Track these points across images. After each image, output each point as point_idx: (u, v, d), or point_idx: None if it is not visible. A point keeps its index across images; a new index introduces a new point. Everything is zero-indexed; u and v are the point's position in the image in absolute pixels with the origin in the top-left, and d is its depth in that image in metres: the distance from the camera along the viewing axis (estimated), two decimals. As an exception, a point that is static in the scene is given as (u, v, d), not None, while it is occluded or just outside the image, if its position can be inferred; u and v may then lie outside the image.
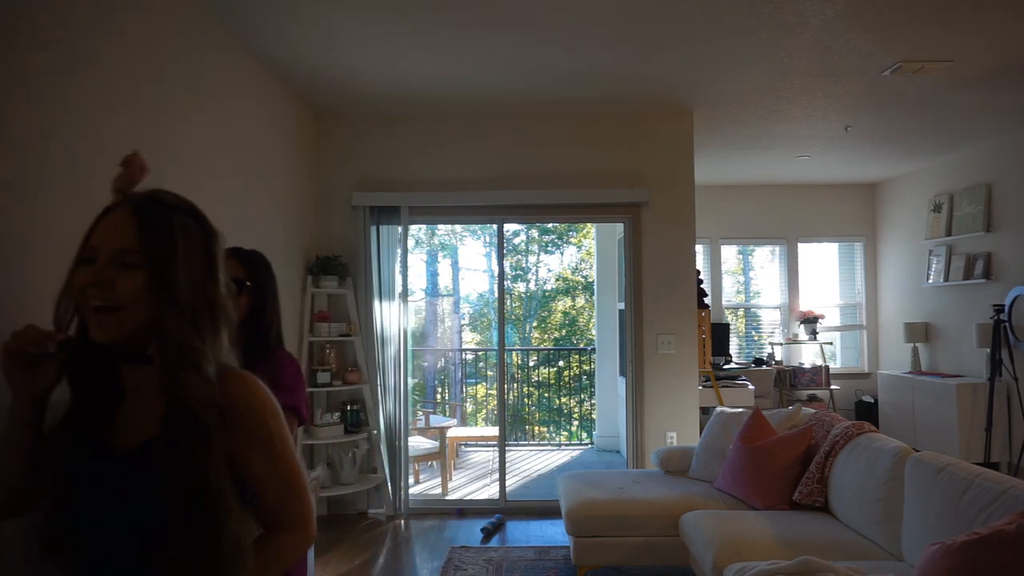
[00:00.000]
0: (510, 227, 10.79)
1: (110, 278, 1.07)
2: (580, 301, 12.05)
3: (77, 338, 1.15)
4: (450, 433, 5.83)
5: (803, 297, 7.53)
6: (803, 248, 7.60)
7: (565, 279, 12.27)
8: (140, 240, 1.08)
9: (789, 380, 7.04)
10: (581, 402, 9.16)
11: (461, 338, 11.57)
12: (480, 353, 10.14)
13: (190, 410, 1.08)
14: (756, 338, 7.75)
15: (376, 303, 4.69)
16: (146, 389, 1.12)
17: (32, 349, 1.11)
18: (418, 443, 5.49)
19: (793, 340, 7.32)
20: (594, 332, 7.96)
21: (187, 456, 1.07)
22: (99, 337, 1.08)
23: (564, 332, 12.03)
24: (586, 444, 7.56)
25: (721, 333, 6.57)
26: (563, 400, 9.07)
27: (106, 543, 1.09)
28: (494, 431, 5.91)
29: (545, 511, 4.74)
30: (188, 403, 1.08)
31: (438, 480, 5.46)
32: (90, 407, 1.15)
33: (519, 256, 12.21)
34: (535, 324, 12.12)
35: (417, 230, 10.49)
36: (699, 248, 7.26)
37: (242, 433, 1.13)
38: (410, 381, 5.00)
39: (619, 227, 5.36)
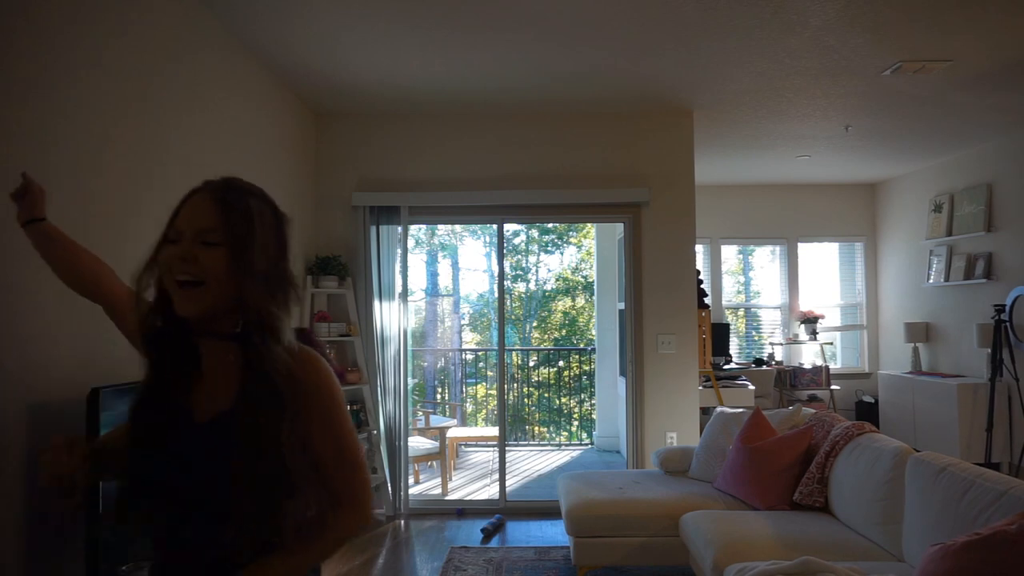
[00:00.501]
0: (510, 227, 10.79)
1: (194, 255, 1.13)
2: (580, 301, 12.05)
3: (159, 316, 1.20)
4: (450, 433, 5.83)
5: (803, 297, 7.53)
6: (803, 248, 7.59)
7: (565, 279, 12.26)
8: (221, 220, 1.14)
9: (789, 380, 7.04)
10: (581, 402, 9.16)
11: (461, 338, 11.57)
12: (480, 353, 10.13)
13: (268, 379, 1.14)
14: (756, 338, 7.74)
15: (376, 303, 4.69)
16: (221, 362, 1.19)
17: (64, 482, 1.15)
18: (418, 443, 5.49)
19: (793, 340, 7.31)
20: (594, 332, 7.96)
21: (264, 424, 1.13)
22: (184, 311, 1.14)
23: (564, 332, 12.02)
24: (586, 444, 7.56)
25: (721, 333, 6.57)
26: (563, 400, 9.06)
27: (183, 507, 1.15)
28: (494, 431, 5.91)
29: (545, 511, 4.74)
30: (267, 372, 1.14)
31: (438, 480, 5.46)
32: (168, 380, 1.20)
33: (519, 256, 12.20)
34: (535, 324, 12.11)
35: (417, 230, 10.48)
36: (699, 248, 7.26)
37: (308, 407, 1.18)
38: (410, 381, 5.00)
39: (619, 227, 5.36)
